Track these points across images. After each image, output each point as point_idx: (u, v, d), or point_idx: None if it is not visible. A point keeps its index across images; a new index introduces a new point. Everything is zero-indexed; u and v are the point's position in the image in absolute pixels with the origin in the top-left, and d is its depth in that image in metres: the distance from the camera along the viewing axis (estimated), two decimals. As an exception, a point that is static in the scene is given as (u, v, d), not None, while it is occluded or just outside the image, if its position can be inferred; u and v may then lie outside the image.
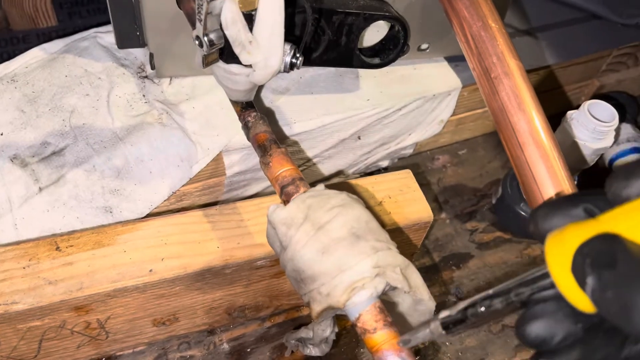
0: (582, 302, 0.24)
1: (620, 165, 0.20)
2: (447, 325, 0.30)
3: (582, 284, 0.23)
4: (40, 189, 0.48)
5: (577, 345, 0.26)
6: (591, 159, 0.55)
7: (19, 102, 0.52)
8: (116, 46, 0.52)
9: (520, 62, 0.40)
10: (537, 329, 0.26)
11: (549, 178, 0.37)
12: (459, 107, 0.64)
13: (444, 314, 0.30)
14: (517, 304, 0.27)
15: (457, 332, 0.30)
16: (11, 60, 0.55)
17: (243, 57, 0.39)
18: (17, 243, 0.44)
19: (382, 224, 0.39)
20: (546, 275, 0.25)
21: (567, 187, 0.37)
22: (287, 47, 0.44)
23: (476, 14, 0.40)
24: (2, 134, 0.50)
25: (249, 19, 0.38)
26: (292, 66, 0.44)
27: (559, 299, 0.25)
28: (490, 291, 0.28)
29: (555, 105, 0.74)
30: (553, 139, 0.38)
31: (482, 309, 0.28)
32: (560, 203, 0.26)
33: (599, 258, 0.22)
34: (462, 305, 0.29)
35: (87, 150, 0.50)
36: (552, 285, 0.25)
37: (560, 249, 0.24)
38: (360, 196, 0.49)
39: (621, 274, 0.22)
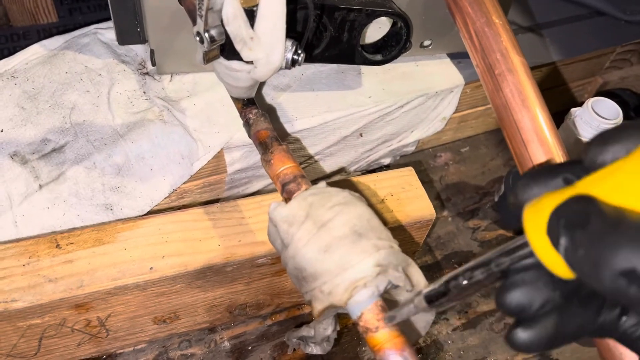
0: (559, 266, 0.24)
1: (596, 134, 0.21)
2: (431, 299, 0.30)
3: (556, 245, 0.23)
4: (41, 186, 0.47)
5: (555, 312, 0.26)
6: (595, 157, 0.55)
7: (19, 98, 0.52)
8: (117, 42, 0.52)
9: (524, 59, 0.39)
10: (516, 296, 0.26)
11: (553, 176, 0.36)
12: (461, 104, 0.63)
13: (427, 288, 0.30)
14: (498, 274, 0.27)
15: (440, 305, 0.30)
16: (11, 57, 0.55)
17: (244, 54, 0.39)
18: (17, 240, 0.44)
19: (384, 222, 0.39)
20: (525, 244, 0.26)
21: (571, 185, 0.36)
22: (289, 43, 0.44)
23: (480, 10, 0.40)
24: (2, 131, 0.50)
25: (250, 14, 0.38)
26: (293, 63, 0.44)
27: (538, 267, 0.25)
28: (472, 263, 0.28)
29: (558, 103, 0.73)
30: (557, 137, 0.38)
31: (465, 281, 0.28)
32: (539, 173, 0.26)
33: (572, 218, 0.22)
34: (444, 278, 0.29)
35: (88, 147, 0.50)
36: (532, 254, 0.25)
37: (537, 215, 0.24)
38: (362, 194, 0.49)
39: (592, 232, 0.22)
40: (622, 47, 0.71)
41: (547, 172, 0.26)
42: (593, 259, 0.21)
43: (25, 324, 0.42)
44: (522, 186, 0.26)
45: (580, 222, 0.22)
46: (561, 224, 0.23)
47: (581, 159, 0.25)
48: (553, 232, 0.23)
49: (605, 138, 0.24)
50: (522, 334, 0.26)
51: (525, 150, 0.37)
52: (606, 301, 0.26)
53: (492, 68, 0.39)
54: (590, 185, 0.23)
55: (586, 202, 0.22)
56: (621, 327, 0.26)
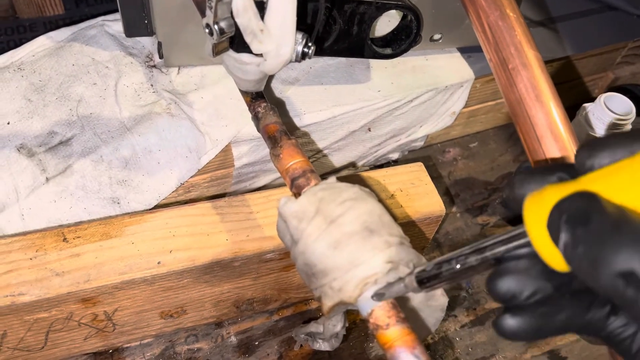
0: (555, 259, 0.24)
1: (587, 139, 0.23)
2: (422, 280, 0.30)
3: (555, 239, 0.23)
4: (47, 179, 0.47)
5: (545, 302, 0.26)
6: (607, 153, 0.54)
7: (26, 91, 0.51)
8: (124, 35, 0.52)
9: (539, 53, 0.39)
10: (507, 283, 0.26)
11: (568, 172, 0.36)
12: (471, 99, 0.63)
13: (418, 268, 0.31)
14: (492, 261, 0.27)
15: (430, 287, 0.30)
16: (18, 49, 0.54)
17: (254, 46, 0.38)
18: (24, 234, 0.44)
19: (394, 218, 0.38)
20: (523, 234, 0.26)
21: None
22: (299, 36, 0.43)
23: (493, 3, 0.39)
24: (8, 123, 0.49)
25: (260, 6, 0.37)
26: (304, 55, 0.44)
27: (533, 256, 0.25)
28: (466, 248, 0.28)
29: (569, 98, 0.73)
30: (571, 132, 0.37)
31: (458, 265, 0.28)
32: (536, 170, 0.27)
33: (574, 214, 0.22)
34: (437, 260, 0.30)
35: (95, 140, 0.49)
36: (528, 244, 0.25)
37: (538, 207, 0.24)
38: (372, 189, 0.48)
39: (593, 230, 0.22)
40: (633, 42, 0.70)
41: (543, 169, 0.27)
42: (592, 258, 0.22)
43: (32, 317, 0.42)
44: (519, 181, 0.27)
45: (582, 219, 0.22)
46: (563, 219, 0.23)
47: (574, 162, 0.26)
48: (553, 227, 0.23)
49: (592, 145, 0.25)
50: (510, 321, 0.26)
51: (539, 146, 0.37)
52: (597, 298, 0.26)
53: (506, 62, 0.38)
54: (594, 182, 0.23)
55: (589, 199, 0.22)
56: (608, 327, 0.26)
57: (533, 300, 0.26)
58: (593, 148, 0.25)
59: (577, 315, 0.26)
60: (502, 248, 0.27)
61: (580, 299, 0.26)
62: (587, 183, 0.23)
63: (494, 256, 0.27)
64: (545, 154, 0.37)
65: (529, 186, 0.26)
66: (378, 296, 0.34)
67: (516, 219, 0.64)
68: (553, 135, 0.37)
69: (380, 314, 0.34)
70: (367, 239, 0.35)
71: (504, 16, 0.39)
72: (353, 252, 0.35)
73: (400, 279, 0.32)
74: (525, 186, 0.26)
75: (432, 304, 0.39)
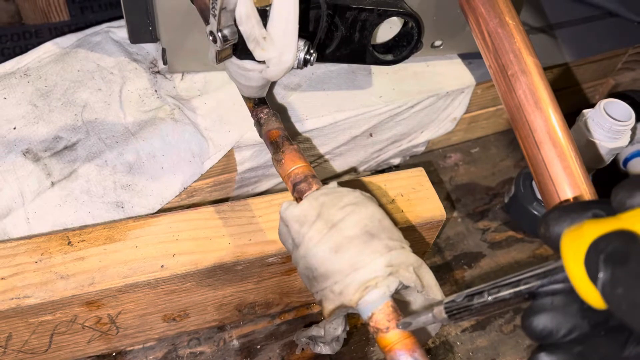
0: (593, 297, 0.24)
1: (626, 179, 0.23)
2: (452, 311, 0.30)
3: (593, 278, 0.23)
4: (53, 184, 0.48)
5: (580, 340, 0.26)
6: (607, 159, 0.55)
7: (32, 96, 0.52)
8: (128, 41, 0.52)
9: (538, 60, 0.39)
10: (544, 320, 0.26)
11: (566, 177, 0.36)
12: (472, 104, 0.63)
13: (448, 299, 0.30)
14: (525, 295, 0.27)
15: (460, 319, 0.30)
16: (24, 55, 0.55)
17: (257, 53, 0.39)
18: (30, 237, 0.44)
19: (395, 222, 0.39)
20: (559, 269, 0.26)
21: (584, 186, 0.36)
22: (301, 43, 0.44)
23: (493, 10, 0.40)
24: (14, 128, 0.50)
25: (263, 14, 0.38)
26: (305, 62, 0.44)
27: (569, 292, 0.25)
28: (499, 280, 0.28)
29: (570, 104, 0.73)
30: (570, 138, 0.38)
31: (490, 298, 0.28)
32: (572, 207, 0.27)
33: (613, 253, 0.22)
34: (468, 291, 0.29)
35: (99, 145, 0.50)
36: (564, 279, 0.25)
37: (577, 243, 0.24)
38: (373, 194, 0.49)
39: (633, 271, 0.22)
40: (634, 48, 0.70)
41: (579, 206, 0.26)
42: (632, 299, 0.22)
43: (37, 320, 0.43)
44: (554, 219, 0.26)
45: (621, 258, 0.22)
46: (601, 257, 0.22)
47: (609, 200, 0.26)
48: (592, 264, 0.23)
49: (634, 183, 0.25)
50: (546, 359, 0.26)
51: (538, 152, 0.37)
52: (633, 335, 0.25)
53: (505, 69, 0.39)
54: (634, 219, 0.23)
55: (628, 238, 0.22)
56: None
57: (569, 339, 0.26)
58: (634, 187, 0.24)
59: (614, 353, 0.26)
60: (538, 282, 0.26)
61: (616, 336, 0.26)
62: (626, 222, 0.23)
63: (529, 290, 0.26)
64: (544, 159, 0.37)
65: (565, 223, 0.26)
66: (404, 325, 0.33)
67: (518, 225, 0.64)
68: (552, 141, 0.37)
69: (380, 317, 0.35)
70: (367, 243, 0.36)
71: (503, 24, 0.39)
72: (354, 256, 0.35)
73: (429, 309, 0.31)
74: (561, 223, 0.26)
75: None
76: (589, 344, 0.26)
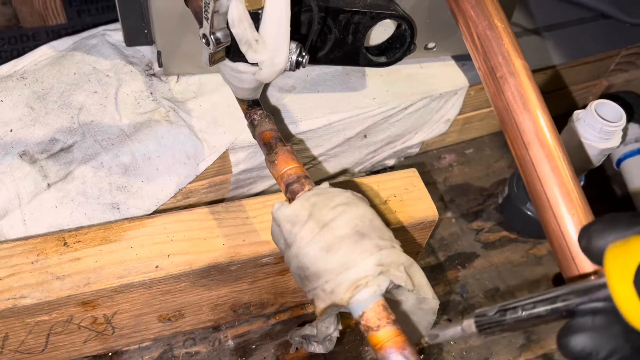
0: (639, 318, 0.23)
1: None
2: (482, 326, 0.28)
3: None
4: (49, 185, 0.48)
5: None
6: (598, 160, 0.55)
7: (29, 99, 0.52)
8: (124, 44, 0.53)
9: (526, 62, 0.40)
10: (583, 341, 0.25)
11: (554, 177, 0.37)
12: (465, 106, 0.64)
13: (479, 312, 0.28)
14: (563, 313, 0.25)
15: (491, 334, 0.28)
16: (21, 58, 0.56)
17: (249, 56, 0.39)
18: (26, 238, 0.45)
19: (387, 223, 0.39)
20: (602, 286, 0.24)
21: (571, 187, 0.36)
22: (293, 45, 0.44)
23: (482, 13, 0.40)
24: (11, 131, 0.50)
25: (256, 17, 0.39)
26: (298, 65, 0.45)
27: (611, 312, 0.23)
28: (535, 295, 0.26)
29: (563, 105, 0.74)
30: (558, 139, 0.38)
31: (524, 313, 0.26)
32: (618, 220, 0.25)
33: None
34: (500, 306, 0.27)
35: (95, 147, 0.50)
36: (607, 298, 0.24)
37: (623, 260, 0.23)
38: (365, 194, 0.49)
39: None
40: (627, 50, 0.71)
41: (626, 220, 0.25)
42: None
43: (33, 320, 0.43)
44: (597, 231, 0.25)
45: None
46: None
47: None
48: None
49: None
50: None
51: (527, 153, 0.38)
52: None
53: (494, 71, 0.39)
54: None
55: None
56: None
57: None
58: None
59: None
60: (577, 300, 0.25)
61: None
62: None
63: (567, 308, 0.25)
64: (532, 159, 0.38)
65: (610, 237, 0.24)
66: (431, 337, 0.32)
67: (511, 225, 0.64)
68: (540, 142, 0.38)
69: (371, 316, 0.35)
70: (358, 242, 0.36)
71: (492, 26, 0.40)
72: (344, 255, 0.36)
73: (457, 322, 0.30)
74: (605, 237, 0.25)
75: (423, 307, 0.40)
76: None
